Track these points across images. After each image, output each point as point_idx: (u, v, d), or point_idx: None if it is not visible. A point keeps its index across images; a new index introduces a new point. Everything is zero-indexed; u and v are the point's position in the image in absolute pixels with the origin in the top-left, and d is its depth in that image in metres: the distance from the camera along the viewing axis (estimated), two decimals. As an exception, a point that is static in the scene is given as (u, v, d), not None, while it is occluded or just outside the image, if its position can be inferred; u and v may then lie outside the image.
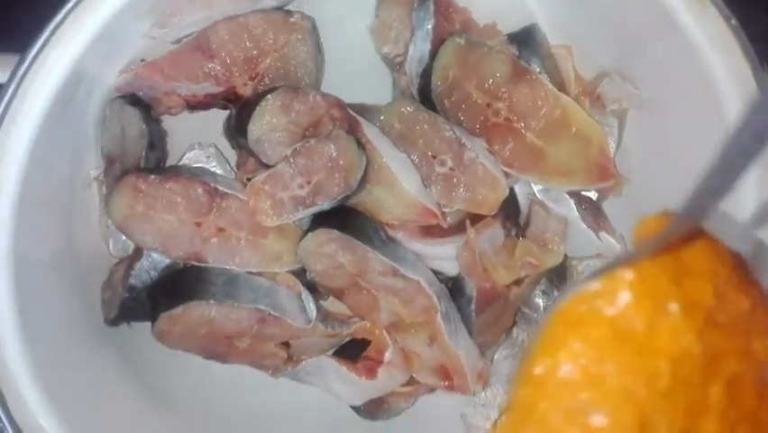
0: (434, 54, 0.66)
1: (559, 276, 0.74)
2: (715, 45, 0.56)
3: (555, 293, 0.74)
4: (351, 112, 0.65)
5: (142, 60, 0.66)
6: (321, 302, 0.70)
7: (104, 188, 0.68)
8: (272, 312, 0.65)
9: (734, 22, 0.54)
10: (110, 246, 0.69)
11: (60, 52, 0.54)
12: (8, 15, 0.72)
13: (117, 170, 0.66)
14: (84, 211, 0.68)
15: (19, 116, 0.54)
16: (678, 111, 0.64)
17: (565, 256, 0.70)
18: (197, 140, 0.70)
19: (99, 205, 0.68)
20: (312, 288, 0.68)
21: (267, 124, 0.64)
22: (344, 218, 0.65)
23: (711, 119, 0.58)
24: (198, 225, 0.64)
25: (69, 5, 0.53)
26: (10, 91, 0.53)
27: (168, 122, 0.70)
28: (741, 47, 0.55)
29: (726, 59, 0.56)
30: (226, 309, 0.64)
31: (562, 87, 0.69)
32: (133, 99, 0.66)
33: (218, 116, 0.70)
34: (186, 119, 0.70)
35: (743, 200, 0.57)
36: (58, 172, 0.63)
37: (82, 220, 0.68)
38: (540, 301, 0.74)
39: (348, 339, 0.71)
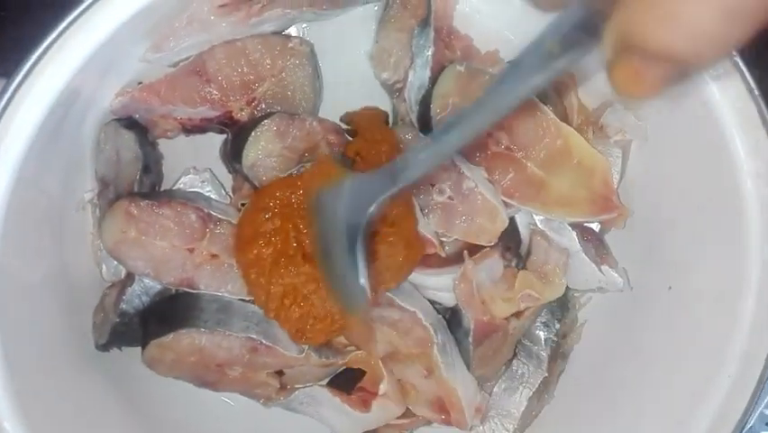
0: (433, 81, 0.65)
1: (561, 308, 0.72)
2: (717, 79, 0.55)
3: (557, 325, 0.73)
4: (348, 138, 0.65)
5: (139, 83, 0.65)
6: (315, 331, 0.69)
7: (97, 212, 0.67)
8: (264, 341, 0.64)
9: (736, 57, 0.53)
10: (102, 270, 0.68)
11: (51, 74, 0.53)
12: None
13: (111, 194, 0.65)
14: (77, 234, 0.67)
15: (7, 137, 0.53)
16: (682, 143, 0.62)
17: (567, 288, 0.69)
18: (194, 164, 0.70)
19: (92, 228, 0.67)
20: (306, 316, 0.67)
21: (262, 149, 0.63)
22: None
23: (715, 153, 0.57)
24: (191, 250, 0.63)
25: (62, 27, 0.53)
26: (-3, 112, 0.52)
27: (164, 145, 0.69)
28: (743, 82, 0.54)
29: (729, 94, 0.55)
30: (217, 338, 0.63)
31: (564, 116, 0.68)
32: (129, 122, 0.66)
33: (215, 141, 0.69)
34: (182, 143, 0.69)
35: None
36: (49, 194, 0.62)
37: (74, 243, 0.67)
38: (541, 334, 0.72)
39: (343, 369, 0.70)
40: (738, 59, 0.53)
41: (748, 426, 0.59)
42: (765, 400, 0.60)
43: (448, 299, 0.68)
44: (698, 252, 0.63)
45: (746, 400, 0.57)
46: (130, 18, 0.56)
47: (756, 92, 0.54)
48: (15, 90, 0.52)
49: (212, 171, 0.69)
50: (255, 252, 0.61)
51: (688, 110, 0.59)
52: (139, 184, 0.65)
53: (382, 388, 0.67)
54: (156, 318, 0.65)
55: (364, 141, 0.63)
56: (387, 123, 0.69)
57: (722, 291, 0.59)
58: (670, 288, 0.65)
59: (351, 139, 0.65)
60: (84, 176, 0.67)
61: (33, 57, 0.53)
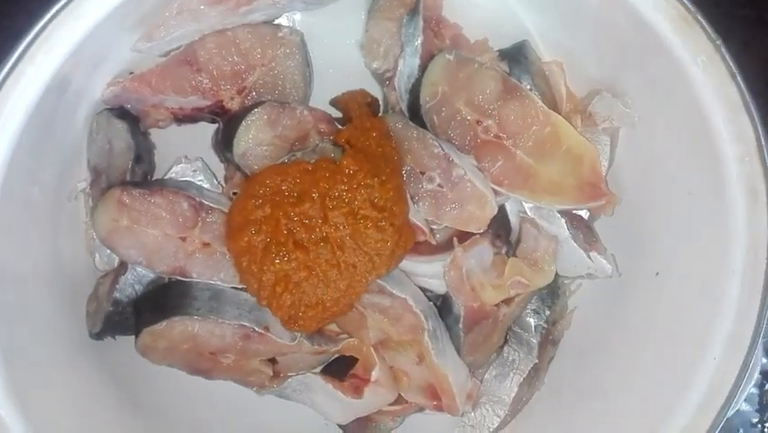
0: (423, 70, 0.66)
1: (551, 295, 0.73)
2: (701, 65, 0.56)
3: (547, 312, 0.73)
4: (339, 126, 0.65)
5: (131, 73, 0.66)
6: (308, 319, 0.69)
7: (90, 201, 0.67)
8: (257, 328, 0.64)
9: (719, 42, 0.53)
10: (96, 259, 0.68)
11: (41, 61, 0.54)
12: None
13: (103, 183, 0.66)
14: (70, 223, 0.68)
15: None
16: (669, 130, 0.63)
17: (556, 275, 0.69)
18: (186, 153, 0.70)
19: (85, 217, 0.68)
20: (298, 304, 0.67)
21: (252, 138, 0.63)
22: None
23: (700, 139, 0.58)
24: (183, 239, 0.64)
25: (50, 15, 0.53)
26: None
27: (156, 135, 0.70)
28: (726, 68, 0.55)
29: (712, 79, 0.56)
30: (210, 325, 0.64)
31: (553, 104, 0.68)
32: (121, 112, 0.66)
33: (207, 130, 0.70)
34: (175, 132, 0.70)
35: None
36: (42, 183, 0.62)
37: (68, 232, 0.67)
38: (531, 321, 0.73)
39: (336, 356, 0.70)
40: (720, 44, 0.54)
41: (736, 407, 0.60)
42: (753, 380, 0.60)
43: (438, 286, 0.68)
44: (684, 237, 0.63)
45: (731, 382, 0.58)
46: (118, 6, 0.56)
47: (738, 77, 0.54)
48: (5, 78, 0.53)
49: (204, 161, 0.70)
50: (246, 239, 0.61)
51: (673, 97, 0.60)
52: (131, 173, 0.66)
53: (374, 374, 0.68)
54: (149, 307, 0.65)
55: (354, 129, 0.64)
56: (377, 110, 0.69)
57: (708, 276, 0.60)
58: (657, 273, 0.66)
59: (341, 127, 0.66)
60: (77, 166, 0.67)
61: (22, 45, 0.53)
